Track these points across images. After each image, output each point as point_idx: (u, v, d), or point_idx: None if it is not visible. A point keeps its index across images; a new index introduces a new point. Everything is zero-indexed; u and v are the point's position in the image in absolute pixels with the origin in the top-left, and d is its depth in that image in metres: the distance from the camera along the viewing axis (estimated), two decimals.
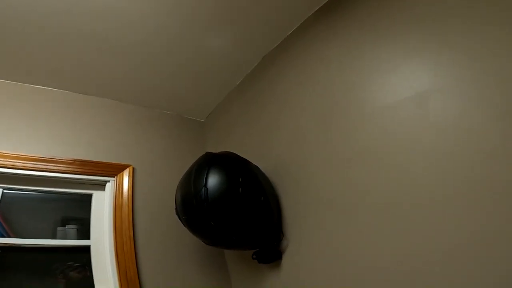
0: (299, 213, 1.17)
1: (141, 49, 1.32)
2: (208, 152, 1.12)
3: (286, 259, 1.21)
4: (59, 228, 1.32)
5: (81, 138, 1.40)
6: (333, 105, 1.11)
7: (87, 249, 1.29)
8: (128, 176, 1.41)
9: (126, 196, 1.37)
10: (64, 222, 1.35)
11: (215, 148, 1.66)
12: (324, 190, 1.09)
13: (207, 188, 0.97)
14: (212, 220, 0.96)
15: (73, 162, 1.32)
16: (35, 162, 1.23)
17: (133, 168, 1.44)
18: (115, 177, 1.40)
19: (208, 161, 1.05)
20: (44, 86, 1.43)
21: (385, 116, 0.93)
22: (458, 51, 0.80)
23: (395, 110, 0.91)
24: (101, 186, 1.41)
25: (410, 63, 0.90)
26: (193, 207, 0.98)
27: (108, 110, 1.55)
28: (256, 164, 1.21)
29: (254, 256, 1.21)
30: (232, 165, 1.06)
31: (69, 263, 1.29)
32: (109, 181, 1.40)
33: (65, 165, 1.30)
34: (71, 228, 1.34)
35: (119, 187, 1.38)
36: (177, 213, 1.10)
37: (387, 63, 0.96)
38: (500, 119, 0.70)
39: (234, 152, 1.19)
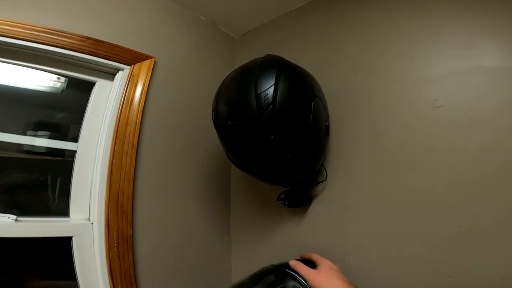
0: (348, 153, 1.01)
1: None
2: (272, 54, 0.88)
3: (315, 205, 1.06)
4: (28, 133, 1.02)
5: (102, 18, 1.07)
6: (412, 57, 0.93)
7: (62, 163, 1.02)
8: (148, 69, 1.13)
9: (140, 92, 1.10)
10: (36, 127, 1.05)
11: None
12: (387, 135, 0.93)
13: (277, 89, 0.75)
14: (273, 132, 0.75)
15: (86, 39, 1.00)
16: (39, 33, 0.91)
17: (155, 62, 1.16)
18: (132, 66, 1.11)
19: (278, 62, 0.82)
20: None
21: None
22: None
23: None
24: (110, 75, 1.12)
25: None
26: (250, 110, 0.76)
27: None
28: None
29: (283, 195, 1.05)
30: (304, 75, 0.85)
31: (23, 175, 0.99)
32: (122, 69, 1.11)
33: (75, 41, 0.98)
34: (44, 134, 1.04)
35: (134, 78, 1.10)
36: (217, 118, 0.87)
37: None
38: None
39: None
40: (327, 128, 0.87)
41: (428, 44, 0.91)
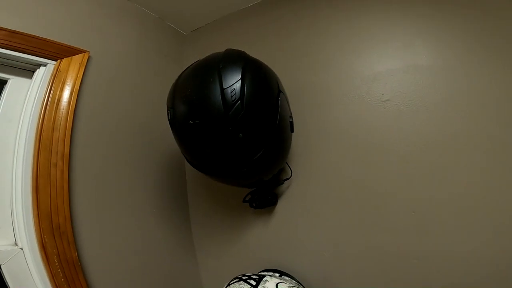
0: (309, 148, 1.02)
1: None
2: (233, 49, 0.83)
3: (280, 204, 1.05)
4: None
5: (21, 8, 0.86)
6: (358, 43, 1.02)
7: None
8: (80, 65, 0.95)
9: (70, 91, 0.92)
10: None
11: None
12: (343, 128, 0.98)
13: (244, 84, 0.70)
14: (242, 130, 0.70)
15: None
16: None
17: (89, 57, 0.98)
18: (58, 61, 0.92)
19: (242, 56, 0.77)
20: None
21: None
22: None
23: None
24: (27, 72, 0.91)
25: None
26: (216, 107, 0.69)
27: None
28: None
29: (249, 197, 1.00)
30: (268, 70, 0.82)
31: None
32: (45, 64, 0.91)
33: None
34: None
35: (61, 75, 0.91)
36: (174, 117, 0.78)
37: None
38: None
39: None
40: (291, 124, 0.86)
41: (373, 43, 0.99)
